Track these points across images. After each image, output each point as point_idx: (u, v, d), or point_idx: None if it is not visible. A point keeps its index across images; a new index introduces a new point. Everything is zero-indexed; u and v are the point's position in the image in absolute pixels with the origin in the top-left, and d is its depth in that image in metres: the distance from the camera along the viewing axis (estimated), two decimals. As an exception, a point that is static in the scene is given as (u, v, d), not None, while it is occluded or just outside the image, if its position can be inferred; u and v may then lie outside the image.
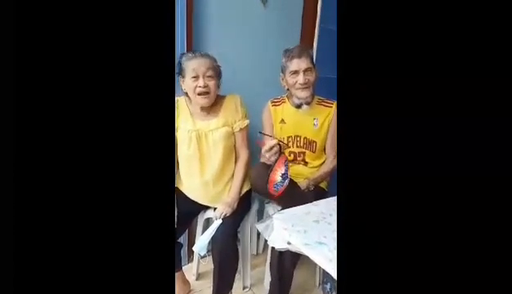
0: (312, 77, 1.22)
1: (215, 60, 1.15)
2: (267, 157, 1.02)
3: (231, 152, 1.23)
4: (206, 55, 1.12)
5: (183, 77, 1.12)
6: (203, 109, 1.16)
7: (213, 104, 1.17)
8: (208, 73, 1.09)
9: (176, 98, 1.18)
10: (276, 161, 0.98)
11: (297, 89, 1.22)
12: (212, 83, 1.10)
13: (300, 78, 1.19)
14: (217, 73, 1.14)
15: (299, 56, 1.19)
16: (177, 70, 1.13)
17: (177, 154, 1.22)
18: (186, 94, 1.16)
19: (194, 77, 1.08)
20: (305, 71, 1.19)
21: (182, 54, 1.14)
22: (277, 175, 0.97)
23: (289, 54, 1.21)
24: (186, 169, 1.22)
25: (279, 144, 0.98)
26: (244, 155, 1.24)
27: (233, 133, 1.20)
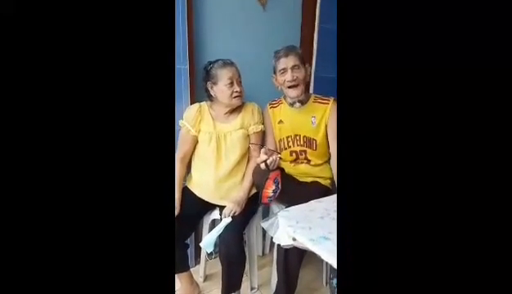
0: (300, 74, 1.24)
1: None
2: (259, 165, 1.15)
3: (246, 154, 1.30)
4: (233, 63, 1.24)
5: (214, 83, 1.22)
6: (226, 112, 1.26)
7: (234, 109, 1.27)
8: (239, 79, 1.24)
9: (199, 104, 1.29)
10: (267, 179, 1.12)
11: (287, 87, 1.25)
12: (242, 87, 1.25)
13: (288, 76, 1.23)
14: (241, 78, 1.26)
15: (286, 55, 1.24)
16: (203, 77, 1.25)
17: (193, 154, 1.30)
18: (210, 98, 1.27)
19: (230, 83, 1.20)
20: (292, 68, 1.23)
21: (211, 62, 1.24)
22: (269, 192, 1.13)
23: (277, 55, 1.27)
24: (201, 166, 1.29)
25: (265, 163, 1.10)
26: (255, 158, 1.27)
27: (248, 136, 1.28)
